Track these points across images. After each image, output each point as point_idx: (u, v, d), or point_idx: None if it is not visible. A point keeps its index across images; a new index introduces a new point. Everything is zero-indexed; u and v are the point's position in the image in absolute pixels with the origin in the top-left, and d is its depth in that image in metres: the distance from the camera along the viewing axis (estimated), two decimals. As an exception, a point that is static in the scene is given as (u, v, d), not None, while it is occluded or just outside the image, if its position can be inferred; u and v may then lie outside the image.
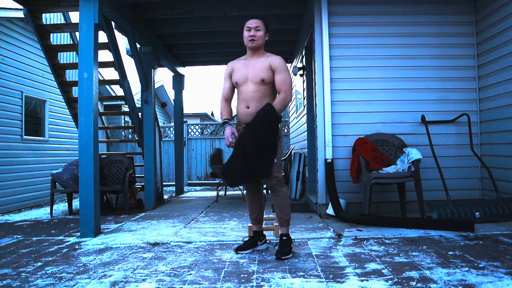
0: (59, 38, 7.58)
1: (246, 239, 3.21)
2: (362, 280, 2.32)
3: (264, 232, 3.24)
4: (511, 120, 4.11)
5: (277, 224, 3.42)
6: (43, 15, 5.49)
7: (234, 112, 4.50)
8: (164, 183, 8.65)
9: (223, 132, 2.98)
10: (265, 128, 2.83)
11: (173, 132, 9.86)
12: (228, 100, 3.16)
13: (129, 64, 23.50)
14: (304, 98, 6.31)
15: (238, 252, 3.06)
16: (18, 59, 6.60)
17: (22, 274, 2.68)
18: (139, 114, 6.11)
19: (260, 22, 3.04)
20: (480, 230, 3.50)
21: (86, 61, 3.98)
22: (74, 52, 7.61)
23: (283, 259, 2.83)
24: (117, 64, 5.43)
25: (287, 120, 9.86)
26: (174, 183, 8.52)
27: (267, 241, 3.23)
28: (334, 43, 4.60)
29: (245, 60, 3.11)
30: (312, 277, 2.43)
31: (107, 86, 10.54)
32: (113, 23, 5.02)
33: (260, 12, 5.52)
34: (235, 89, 3.14)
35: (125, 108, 10.73)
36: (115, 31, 5.21)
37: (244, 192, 3.17)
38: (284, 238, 2.99)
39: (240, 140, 2.86)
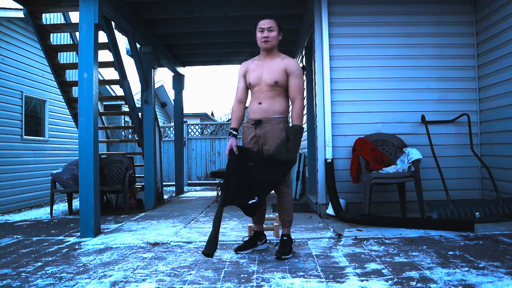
0: (59, 38, 7.58)
1: (246, 239, 3.21)
2: (362, 280, 2.32)
3: (264, 232, 3.24)
4: (511, 120, 4.11)
5: (277, 224, 3.43)
6: (43, 15, 5.49)
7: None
8: (164, 183, 8.65)
9: (228, 143, 3.03)
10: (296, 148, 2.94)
11: (173, 132, 9.86)
12: (241, 101, 3.14)
13: (129, 64, 23.49)
14: (304, 98, 6.30)
15: (238, 252, 3.06)
16: (18, 59, 6.60)
17: (22, 274, 2.68)
18: (139, 114, 6.11)
19: (273, 22, 3.00)
20: (480, 230, 3.50)
21: (86, 61, 3.98)
22: (74, 52, 7.61)
23: (283, 258, 2.83)
24: (117, 64, 5.42)
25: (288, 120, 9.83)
26: (174, 183, 8.52)
27: (267, 241, 3.23)
28: (334, 43, 4.60)
29: (259, 60, 3.09)
30: (312, 277, 2.43)
31: (107, 86, 10.54)
32: (113, 23, 5.02)
33: (260, 12, 5.51)
34: (249, 89, 3.12)
35: (125, 108, 10.73)
36: (115, 31, 5.20)
37: None
38: (284, 238, 2.99)
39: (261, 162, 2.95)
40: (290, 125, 3.03)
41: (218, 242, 3.40)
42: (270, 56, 3.04)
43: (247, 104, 3.18)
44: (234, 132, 3.06)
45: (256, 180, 2.88)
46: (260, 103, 2.99)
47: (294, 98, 2.97)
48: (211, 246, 2.76)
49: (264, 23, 2.99)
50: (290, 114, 3.19)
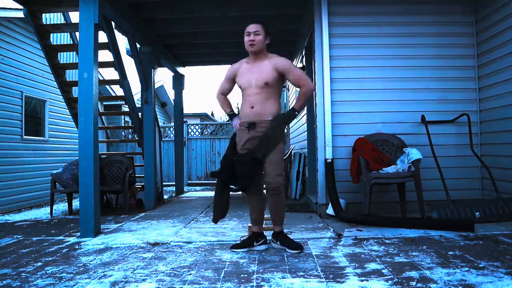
0: (59, 38, 7.58)
1: (244, 238, 3.22)
2: (362, 280, 2.32)
3: (264, 233, 3.24)
4: (511, 120, 4.11)
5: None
6: (43, 15, 5.50)
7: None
8: (164, 183, 8.65)
9: (233, 125, 3.17)
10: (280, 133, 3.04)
11: (173, 132, 9.86)
12: (224, 94, 3.33)
13: (129, 64, 23.48)
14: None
15: (233, 250, 3.09)
16: (18, 59, 6.60)
17: (22, 274, 2.68)
18: (139, 114, 6.11)
19: (259, 27, 3.10)
20: (480, 230, 3.50)
21: (86, 61, 3.98)
22: (74, 52, 7.61)
23: (294, 254, 2.94)
24: (117, 64, 5.43)
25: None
26: (174, 183, 8.52)
27: (267, 242, 3.23)
28: (334, 43, 4.60)
29: (248, 64, 3.17)
30: (312, 277, 2.43)
31: (107, 86, 10.55)
32: (113, 23, 5.02)
33: (260, 12, 5.52)
34: (232, 89, 3.31)
35: (125, 108, 10.73)
36: (115, 31, 5.21)
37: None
38: (282, 235, 3.07)
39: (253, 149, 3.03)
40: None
41: (218, 242, 3.42)
42: (259, 59, 3.11)
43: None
44: (233, 112, 3.26)
45: (239, 171, 3.02)
46: (252, 107, 3.05)
47: (299, 86, 3.07)
48: (217, 214, 3.13)
49: (250, 27, 3.11)
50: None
